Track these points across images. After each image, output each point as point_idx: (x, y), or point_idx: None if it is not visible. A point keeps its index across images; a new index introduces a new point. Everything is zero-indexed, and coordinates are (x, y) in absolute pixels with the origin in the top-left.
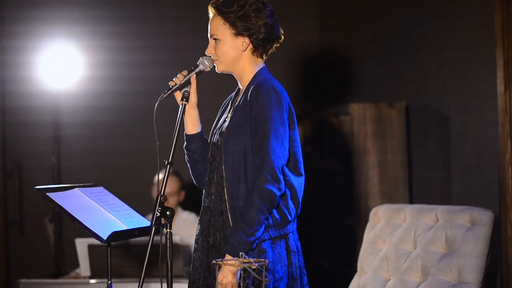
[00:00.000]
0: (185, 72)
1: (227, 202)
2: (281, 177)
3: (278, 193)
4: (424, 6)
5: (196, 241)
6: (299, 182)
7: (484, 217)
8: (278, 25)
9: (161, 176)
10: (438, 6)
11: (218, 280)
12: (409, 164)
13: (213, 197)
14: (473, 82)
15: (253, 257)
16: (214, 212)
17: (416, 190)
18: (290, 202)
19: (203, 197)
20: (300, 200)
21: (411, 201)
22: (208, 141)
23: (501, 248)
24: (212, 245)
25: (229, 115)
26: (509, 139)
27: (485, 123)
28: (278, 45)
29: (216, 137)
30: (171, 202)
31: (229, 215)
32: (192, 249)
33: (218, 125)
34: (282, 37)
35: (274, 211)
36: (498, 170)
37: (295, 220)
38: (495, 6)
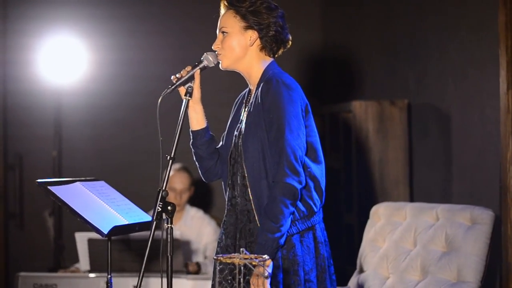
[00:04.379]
0: (189, 68)
1: (252, 201)
2: (300, 169)
3: (299, 186)
4: (427, 4)
5: (218, 244)
6: (320, 171)
7: (484, 216)
8: (287, 30)
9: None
10: (441, 5)
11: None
12: (410, 162)
13: (238, 199)
14: (475, 80)
15: (282, 253)
16: (240, 213)
17: (417, 188)
18: (314, 193)
19: (227, 200)
20: (324, 189)
21: (411, 199)
22: (223, 141)
23: (501, 247)
24: (240, 247)
25: (244, 115)
26: (510, 138)
27: (487, 122)
28: (284, 50)
29: (235, 139)
30: (184, 198)
31: (255, 214)
32: (193, 245)
33: (235, 126)
34: (290, 43)
35: (299, 204)
36: (499, 169)
37: (321, 210)
38: (499, 5)
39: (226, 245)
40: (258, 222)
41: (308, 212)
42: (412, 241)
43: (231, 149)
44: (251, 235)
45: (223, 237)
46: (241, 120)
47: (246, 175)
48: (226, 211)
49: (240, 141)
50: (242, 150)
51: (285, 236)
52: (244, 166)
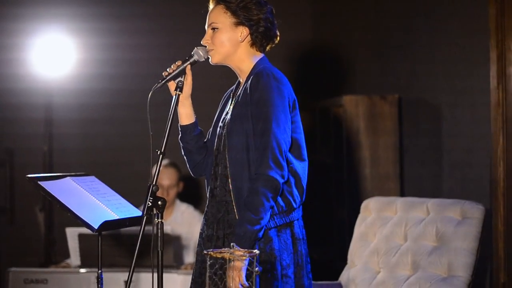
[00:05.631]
0: (179, 62)
1: (231, 192)
2: (284, 164)
3: (281, 180)
4: (418, 0)
5: (200, 235)
6: (303, 168)
7: (475, 210)
8: (276, 26)
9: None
10: (432, 0)
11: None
12: (400, 157)
13: (218, 189)
14: (465, 76)
15: (259, 246)
16: (219, 203)
17: (408, 183)
18: (294, 189)
19: (208, 191)
20: (305, 187)
21: (402, 194)
22: (209, 135)
23: (491, 242)
24: (218, 237)
25: (231, 107)
26: (501, 133)
27: (477, 117)
28: (273, 45)
29: (220, 130)
30: (171, 194)
31: (234, 205)
32: (184, 241)
33: (221, 118)
34: (278, 38)
35: (279, 199)
36: (490, 164)
37: (300, 207)
38: (489, 1)
39: (207, 236)
40: (236, 214)
41: (287, 207)
42: (402, 235)
43: (216, 140)
44: (230, 226)
45: (205, 227)
46: (227, 111)
47: (227, 165)
48: (207, 202)
49: (224, 131)
50: (226, 141)
51: (263, 229)
52: (226, 157)
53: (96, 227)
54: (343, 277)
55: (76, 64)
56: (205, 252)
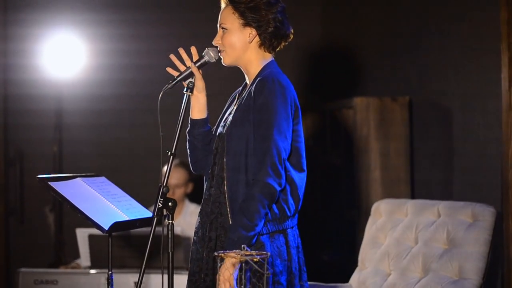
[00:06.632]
0: (194, 51)
1: (226, 194)
2: (282, 172)
3: (279, 188)
4: (429, 1)
5: (195, 233)
6: (300, 178)
7: (486, 213)
8: (288, 24)
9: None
10: (443, 1)
11: (219, 273)
12: (411, 159)
13: (212, 189)
14: (477, 79)
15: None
16: (212, 204)
17: (418, 185)
18: (289, 198)
19: (204, 189)
20: (301, 197)
21: (412, 196)
22: (213, 134)
23: (502, 244)
24: (210, 238)
25: (234, 108)
26: None
27: (488, 118)
28: (286, 43)
29: (220, 129)
30: (178, 193)
31: (228, 208)
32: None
33: (223, 118)
34: (291, 36)
35: (273, 206)
36: (501, 166)
37: (295, 216)
38: (500, 3)
39: (202, 234)
40: (229, 216)
41: (281, 215)
42: (413, 238)
43: (216, 139)
44: (222, 228)
45: (199, 226)
46: (230, 112)
47: (224, 167)
48: (202, 200)
49: (224, 132)
50: (226, 142)
51: (257, 236)
52: (224, 159)
53: (106, 228)
54: (354, 280)
55: (86, 69)
56: (215, 254)
